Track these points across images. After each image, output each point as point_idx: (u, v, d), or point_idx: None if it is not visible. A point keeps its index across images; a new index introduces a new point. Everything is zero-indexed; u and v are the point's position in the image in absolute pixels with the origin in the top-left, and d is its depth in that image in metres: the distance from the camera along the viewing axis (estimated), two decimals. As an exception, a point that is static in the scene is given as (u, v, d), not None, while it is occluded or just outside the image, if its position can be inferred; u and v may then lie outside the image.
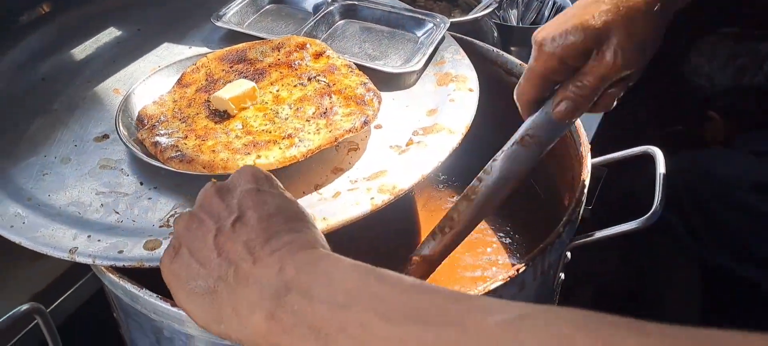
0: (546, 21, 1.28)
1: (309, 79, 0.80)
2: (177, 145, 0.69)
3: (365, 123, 0.72)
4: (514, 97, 0.71)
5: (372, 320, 0.35)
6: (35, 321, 0.58)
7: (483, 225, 0.94)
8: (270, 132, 0.71)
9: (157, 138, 0.71)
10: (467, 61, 0.89)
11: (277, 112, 0.75)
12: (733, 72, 1.37)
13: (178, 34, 0.96)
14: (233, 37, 0.94)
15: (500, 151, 0.70)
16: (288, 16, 1.01)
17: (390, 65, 0.87)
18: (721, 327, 0.26)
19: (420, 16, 0.95)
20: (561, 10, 1.26)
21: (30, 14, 0.98)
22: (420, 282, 0.38)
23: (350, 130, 0.70)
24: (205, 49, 0.92)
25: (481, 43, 0.99)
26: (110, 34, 0.95)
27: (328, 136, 0.69)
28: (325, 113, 0.73)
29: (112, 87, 0.85)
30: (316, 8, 1.00)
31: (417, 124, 0.78)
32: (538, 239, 0.69)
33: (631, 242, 0.85)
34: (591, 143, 0.81)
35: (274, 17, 1.01)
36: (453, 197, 0.99)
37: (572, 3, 1.22)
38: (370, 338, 0.34)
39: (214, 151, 0.68)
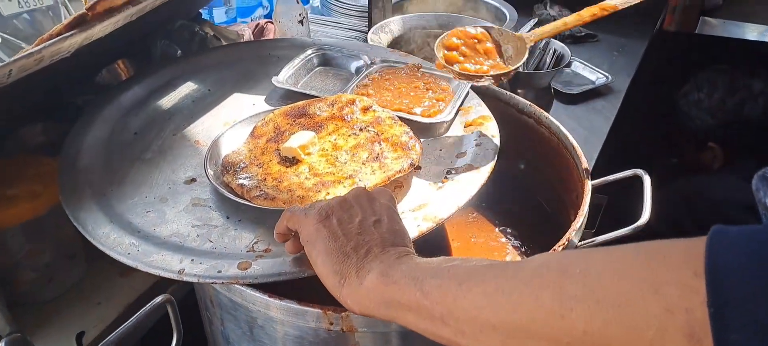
0: (548, 67, 1.46)
1: (360, 130, 0.96)
2: (259, 186, 0.86)
3: (411, 165, 0.88)
4: None
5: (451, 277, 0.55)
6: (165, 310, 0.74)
7: (496, 233, 1.14)
8: (333, 173, 0.88)
9: (241, 180, 0.88)
10: (488, 111, 1.05)
11: (337, 157, 0.91)
12: (733, 106, 1.53)
13: (243, 92, 1.14)
14: (290, 94, 1.11)
15: None
16: (334, 76, 1.18)
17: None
18: None
19: (449, 75, 1.12)
20: (561, 58, 1.44)
21: (115, 77, 1.16)
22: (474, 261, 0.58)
23: (400, 172, 0.86)
24: (267, 106, 1.10)
25: (496, 88, 1.16)
26: (187, 93, 1.13)
27: (382, 176, 0.85)
28: (377, 157, 0.90)
29: (194, 139, 1.02)
30: (358, 70, 1.17)
31: (449, 165, 0.94)
32: (546, 247, 0.84)
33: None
34: (593, 174, 0.98)
35: (323, 77, 1.18)
36: (473, 213, 1.16)
37: (570, 52, 1.40)
38: (449, 281, 0.54)
39: (290, 190, 0.84)
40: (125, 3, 0.91)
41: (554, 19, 1.90)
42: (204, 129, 1.04)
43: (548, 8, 2.03)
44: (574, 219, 0.90)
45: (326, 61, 1.21)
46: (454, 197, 0.86)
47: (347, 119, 0.99)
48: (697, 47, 2.00)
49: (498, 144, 0.97)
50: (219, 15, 1.87)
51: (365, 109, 1.01)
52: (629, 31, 1.98)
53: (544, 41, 1.50)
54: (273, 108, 1.06)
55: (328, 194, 0.83)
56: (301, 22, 1.43)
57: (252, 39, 1.47)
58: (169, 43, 1.24)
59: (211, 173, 0.90)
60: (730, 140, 1.51)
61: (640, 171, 0.96)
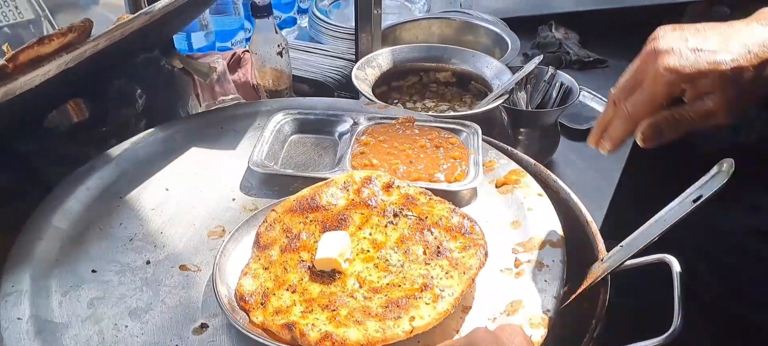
0: (554, 102, 1.33)
1: (395, 216, 0.79)
2: (314, 324, 0.65)
3: (486, 255, 0.73)
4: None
5: None
6: None
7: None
8: (398, 285, 0.70)
9: (281, 319, 0.67)
10: (517, 165, 0.93)
11: (387, 260, 0.73)
12: (728, 132, 1.46)
13: (211, 185, 0.90)
14: (272, 177, 0.90)
15: None
16: (316, 145, 0.99)
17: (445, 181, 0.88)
18: None
19: (454, 126, 0.98)
20: (569, 92, 1.32)
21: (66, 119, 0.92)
22: None
23: (480, 267, 0.71)
24: (248, 198, 0.88)
25: (494, 141, 1.02)
26: (141, 200, 0.87)
27: (464, 278, 0.69)
28: (439, 252, 0.73)
29: (177, 264, 0.77)
30: (342, 134, 0.99)
31: (510, 241, 0.80)
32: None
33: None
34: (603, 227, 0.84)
35: (303, 148, 0.98)
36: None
37: (578, 82, 1.27)
38: None
39: (358, 322, 0.65)
40: (56, 51, 0.72)
41: (559, 43, 1.79)
42: (185, 247, 0.80)
43: (553, 30, 1.90)
44: (591, 317, 0.74)
45: (300, 127, 1.01)
46: (546, 284, 0.72)
47: (372, 204, 0.81)
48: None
49: (550, 203, 0.85)
50: (198, 40, 1.58)
51: (387, 187, 0.83)
52: (641, 54, 1.85)
53: (549, 73, 1.35)
54: (266, 200, 0.86)
55: (413, 319, 0.65)
56: (280, 53, 1.20)
57: (227, 70, 1.23)
58: (127, 81, 0.99)
59: (229, 311, 0.68)
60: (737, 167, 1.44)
61: (668, 257, 0.76)
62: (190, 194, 0.89)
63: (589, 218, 0.88)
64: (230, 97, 1.19)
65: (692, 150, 1.45)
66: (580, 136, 1.48)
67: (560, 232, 0.80)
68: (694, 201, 0.72)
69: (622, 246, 0.77)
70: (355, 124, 0.99)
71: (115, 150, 0.95)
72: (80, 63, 0.77)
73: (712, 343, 1.16)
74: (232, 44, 1.66)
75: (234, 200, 0.88)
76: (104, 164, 0.92)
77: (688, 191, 0.75)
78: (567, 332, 0.77)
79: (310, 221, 0.80)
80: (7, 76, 0.68)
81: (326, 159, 0.96)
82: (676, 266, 0.75)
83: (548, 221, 0.82)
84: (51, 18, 1.07)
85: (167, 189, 0.89)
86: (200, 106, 1.17)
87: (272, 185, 0.90)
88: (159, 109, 1.05)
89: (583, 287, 0.75)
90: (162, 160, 0.95)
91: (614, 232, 0.82)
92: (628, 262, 0.76)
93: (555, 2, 2.11)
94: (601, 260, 0.78)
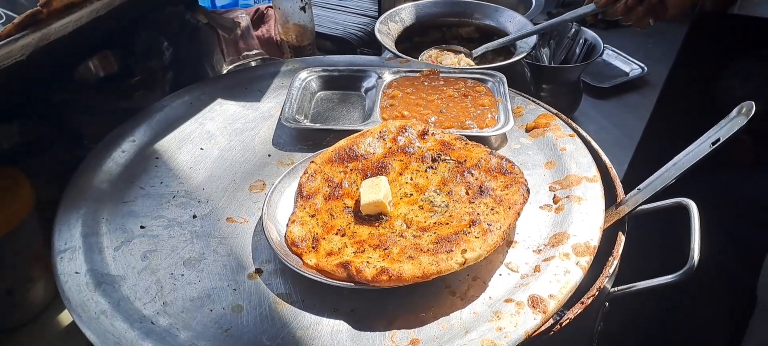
0: (577, 59, 1.34)
1: (433, 161, 0.81)
2: (371, 263, 0.67)
3: (528, 191, 0.74)
4: None
5: None
6: None
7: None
8: (446, 223, 0.71)
9: (335, 259, 0.68)
10: (545, 109, 0.94)
11: (431, 201, 0.75)
12: (759, 87, 1.42)
13: (244, 142, 0.91)
14: (305, 132, 0.91)
15: None
16: (343, 100, 1.00)
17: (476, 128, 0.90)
18: None
19: (480, 76, 0.99)
20: (592, 49, 1.33)
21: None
22: None
23: (524, 202, 0.73)
24: (282, 152, 0.89)
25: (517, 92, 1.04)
26: (178, 158, 0.88)
27: (509, 212, 0.71)
28: (481, 191, 0.75)
29: (224, 217, 0.79)
30: (368, 89, 1.00)
31: (546, 180, 0.82)
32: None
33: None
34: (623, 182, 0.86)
35: (330, 103, 0.99)
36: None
37: (602, 41, 1.28)
38: None
39: (411, 258, 0.67)
40: (87, -2, 0.75)
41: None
42: (228, 201, 0.81)
43: None
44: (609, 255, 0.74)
45: (326, 83, 1.02)
46: (588, 216, 0.74)
47: (410, 151, 0.82)
48: (739, 31, 1.70)
49: (581, 142, 0.87)
50: (223, -5, 1.58)
51: (422, 134, 0.85)
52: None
53: (573, 30, 1.36)
54: (301, 154, 0.87)
55: (465, 252, 0.67)
56: (303, 8, 1.21)
57: (250, 26, 1.24)
58: (154, 34, 1.00)
59: (282, 255, 0.69)
60: (761, 133, 1.41)
61: (685, 200, 0.79)
62: (226, 152, 0.90)
63: (609, 162, 0.89)
64: (254, 52, 1.20)
65: (720, 106, 1.42)
66: (602, 94, 1.48)
67: (595, 168, 0.82)
68: (713, 144, 0.73)
69: (639, 189, 0.79)
70: (380, 78, 1.01)
71: (144, 113, 0.96)
72: (110, 12, 0.78)
73: (723, 309, 1.15)
74: (255, 1, 1.65)
75: (269, 155, 0.89)
76: (135, 128, 0.93)
77: (706, 133, 0.76)
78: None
79: (351, 169, 0.81)
80: (41, 21, 0.69)
81: (355, 113, 0.97)
82: (694, 209, 0.77)
83: (582, 159, 0.84)
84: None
85: (202, 148, 0.90)
86: (224, 60, 1.17)
87: (305, 139, 0.92)
88: (185, 63, 1.06)
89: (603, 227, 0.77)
90: (192, 121, 0.96)
91: (635, 184, 0.83)
92: (646, 205, 0.79)
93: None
94: (620, 203, 0.80)
